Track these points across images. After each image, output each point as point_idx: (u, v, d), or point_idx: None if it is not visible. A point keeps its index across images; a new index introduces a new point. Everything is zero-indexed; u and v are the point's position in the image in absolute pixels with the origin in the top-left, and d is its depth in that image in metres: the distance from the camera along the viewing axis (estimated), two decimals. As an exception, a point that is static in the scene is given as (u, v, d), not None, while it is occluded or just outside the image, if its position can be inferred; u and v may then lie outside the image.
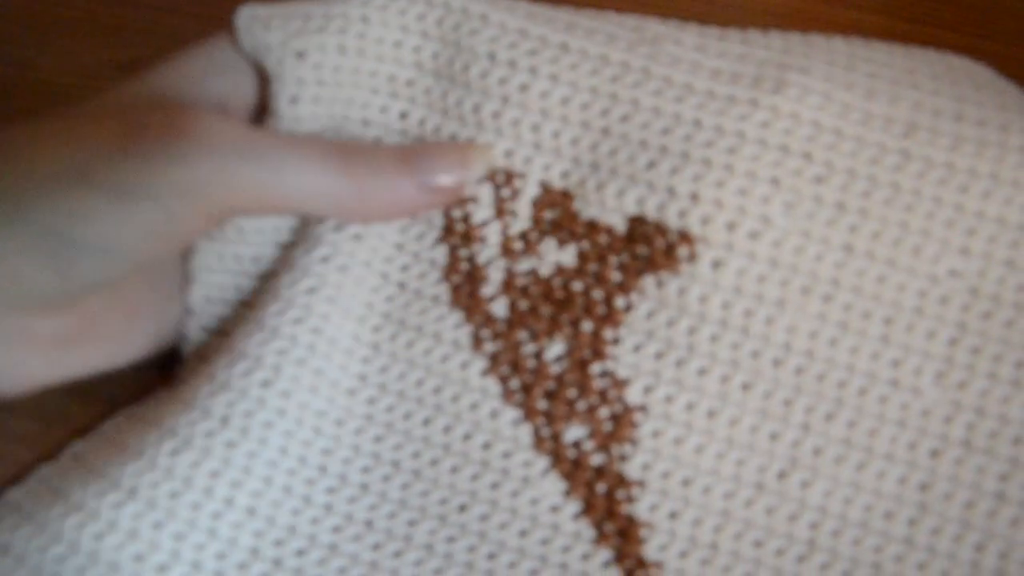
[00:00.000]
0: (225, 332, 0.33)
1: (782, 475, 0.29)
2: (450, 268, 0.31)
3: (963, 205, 0.29)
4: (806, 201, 0.29)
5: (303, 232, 0.32)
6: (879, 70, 0.31)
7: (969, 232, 0.29)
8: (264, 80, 0.33)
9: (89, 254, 0.28)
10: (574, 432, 0.30)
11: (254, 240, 0.32)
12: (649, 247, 0.30)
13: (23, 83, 0.30)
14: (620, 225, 0.30)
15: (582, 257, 0.31)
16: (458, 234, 0.31)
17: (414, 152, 0.31)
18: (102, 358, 0.31)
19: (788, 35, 0.33)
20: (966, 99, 0.30)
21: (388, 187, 0.30)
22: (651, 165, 0.30)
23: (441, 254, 0.31)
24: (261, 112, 0.33)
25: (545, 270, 0.31)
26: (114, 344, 0.32)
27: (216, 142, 0.28)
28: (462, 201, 0.31)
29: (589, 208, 0.31)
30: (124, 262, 0.29)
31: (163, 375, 0.34)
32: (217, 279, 0.33)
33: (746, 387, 0.29)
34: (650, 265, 0.30)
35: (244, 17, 0.32)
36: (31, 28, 0.39)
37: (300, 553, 0.30)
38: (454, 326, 0.31)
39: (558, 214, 0.31)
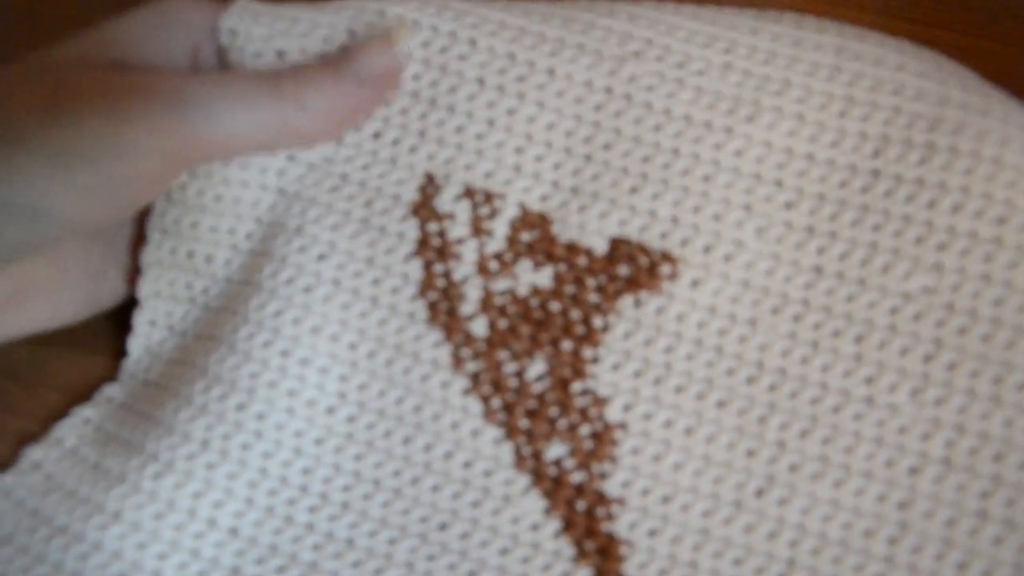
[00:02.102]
0: (175, 329, 0.33)
1: (760, 493, 0.29)
2: (426, 284, 0.31)
3: (933, 221, 0.29)
4: (777, 226, 0.30)
5: (265, 245, 0.32)
6: (865, 70, 0.31)
7: (940, 248, 0.29)
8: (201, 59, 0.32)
9: (20, 217, 0.28)
10: (555, 450, 0.30)
11: (208, 238, 0.33)
12: (632, 266, 0.30)
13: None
14: (601, 246, 0.31)
15: (558, 279, 0.31)
16: (433, 249, 0.31)
17: (339, 55, 0.31)
18: (33, 320, 0.32)
19: (778, 35, 0.32)
20: (949, 101, 0.30)
21: (326, 93, 0.30)
22: (633, 191, 0.31)
23: (415, 268, 0.31)
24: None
25: (522, 290, 0.31)
26: (46, 305, 0.32)
27: (148, 95, 0.28)
28: (438, 216, 0.31)
29: (568, 231, 0.31)
30: (57, 226, 0.28)
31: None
32: (168, 275, 0.33)
33: (721, 404, 0.30)
34: (631, 284, 0.30)
35: (240, 4, 0.33)
36: (31, 28, 0.39)
37: (281, 570, 0.30)
38: (433, 345, 0.31)
39: (536, 236, 0.31)
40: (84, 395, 0.34)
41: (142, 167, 0.28)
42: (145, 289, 0.33)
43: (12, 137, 0.27)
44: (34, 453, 0.32)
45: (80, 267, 0.32)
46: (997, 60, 0.34)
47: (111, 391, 0.33)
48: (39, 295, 0.31)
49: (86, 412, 0.33)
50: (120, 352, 0.34)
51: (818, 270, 0.30)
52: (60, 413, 0.33)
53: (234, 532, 0.30)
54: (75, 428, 0.33)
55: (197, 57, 0.32)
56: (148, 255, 0.33)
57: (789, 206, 0.30)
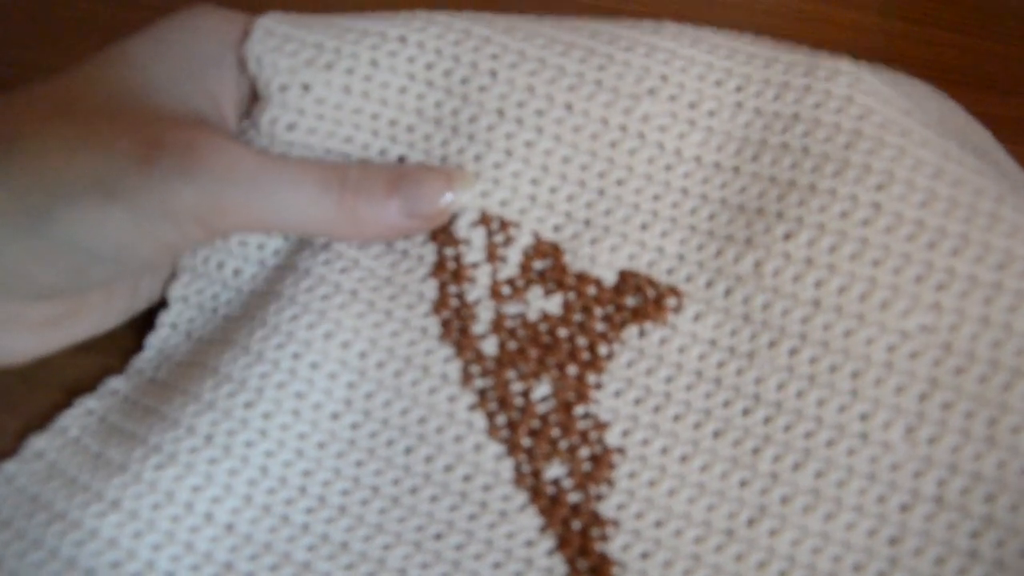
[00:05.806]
0: (192, 336, 0.34)
1: (751, 522, 0.29)
2: (440, 303, 0.32)
3: (932, 262, 0.30)
4: (776, 258, 0.31)
5: (290, 259, 0.33)
6: (873, 105, 0.32)
7: (939, 288, 0.29)
8: (243, 80, 0.34)
9: (102, 263, 0.29)
10: (554, 470, 0.31)
11: (238, 252, 0.34)
12: (639, 297, 0.31)
13: (24, 83, 0.30)
14: (610, 277, 0.32)
15: (567, 306, 0.32)
16: (448, 271, 0.32)
17: (402, 177, 0.32)
18: (85, 330, 0.33)
19: (793, 64, 0.33)
20: (950, 156, 0.31)
21: (377, 213, 0.31)
22: (644, 227, 0.32)
23: (430, 288, 0.32)
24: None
25: (532, 315, 0.32)
26: (96, 317, 0.33)
27: (230, 170, 0.29)
28: (455, 241, 0.32)
29: (579, 261, 0.32)
30: (132, 268, 0.30)
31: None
32: (198, 282, 0.34)
33: (717, 434, 0.30)
34: (637, 315, 0.31)
35: (261, 30, 0.33)
36: (31, 28, 0.40)
37: (274, 568, 0.30)
38: (443, 360, 0.32)
39: (548, 265, 0.32)
40: (85, 394, 0.34)
41: (212, 227, 0.30)
42: (176, 292, 0.34)
43: (109, 189, 0.28)
44: (37, 442, 0.33)
45: (126, 282, 0.34)
46: (997, 60, 0.34)
47: (116, 384, 0.34)
48: (89, 310, 0.32)
49: (89, 403, 0.33)
50: (121, 351, 0.34)
51: (816, 304, 0.30)
52: (61, 412, 0.33)
53: (230, 528, 0.30)
54: (78, 418, 0.33)
55: (241, 69, 0.33)
56: (185, 260, 0.34)
57: (787, 237, 0.31)
